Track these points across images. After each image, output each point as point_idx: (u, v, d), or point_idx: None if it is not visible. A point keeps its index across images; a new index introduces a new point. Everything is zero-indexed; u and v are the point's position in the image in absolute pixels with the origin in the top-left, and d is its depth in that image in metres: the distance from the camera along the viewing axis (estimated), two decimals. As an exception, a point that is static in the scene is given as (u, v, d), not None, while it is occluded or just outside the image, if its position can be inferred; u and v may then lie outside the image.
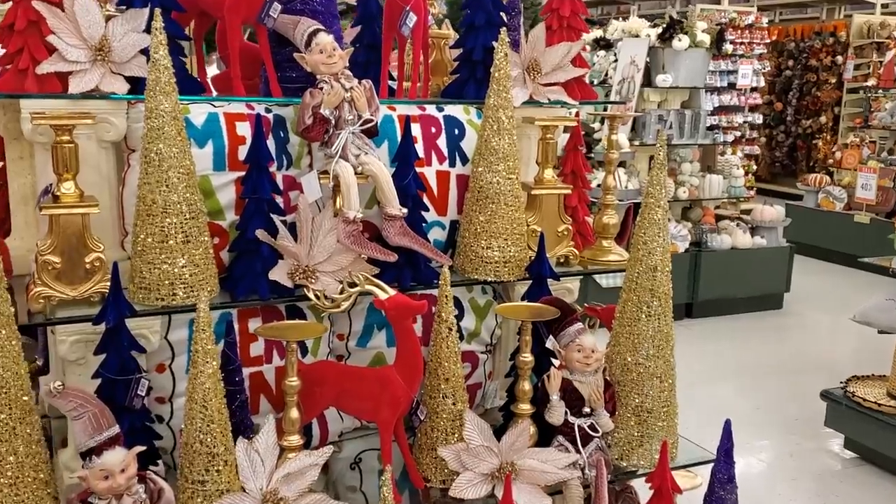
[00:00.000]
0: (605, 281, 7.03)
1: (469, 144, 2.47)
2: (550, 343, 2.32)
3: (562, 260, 2.60)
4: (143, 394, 1.94)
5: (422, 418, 2.18)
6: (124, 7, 2.16)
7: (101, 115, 2.08)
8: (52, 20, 2.00)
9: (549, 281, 2.46)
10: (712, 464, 2.36)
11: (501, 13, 2.56)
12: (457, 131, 2.48)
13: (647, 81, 7.32)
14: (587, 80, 2.73)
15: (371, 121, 2.21)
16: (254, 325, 2.21)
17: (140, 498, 1.83)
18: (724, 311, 7.21)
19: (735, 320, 7.14)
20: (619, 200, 7.27)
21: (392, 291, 2.09)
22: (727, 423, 2.34)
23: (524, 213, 2.47)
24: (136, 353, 1.96)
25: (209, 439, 1.89)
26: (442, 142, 2.45)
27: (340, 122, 2.18)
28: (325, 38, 2.16)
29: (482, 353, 2.60)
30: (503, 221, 2.36)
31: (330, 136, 2.18)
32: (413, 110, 2.44)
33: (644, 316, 2.31)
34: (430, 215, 2.43)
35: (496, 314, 2.54)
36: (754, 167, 10.13)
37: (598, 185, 7.34)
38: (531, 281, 2.41)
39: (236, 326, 2.22)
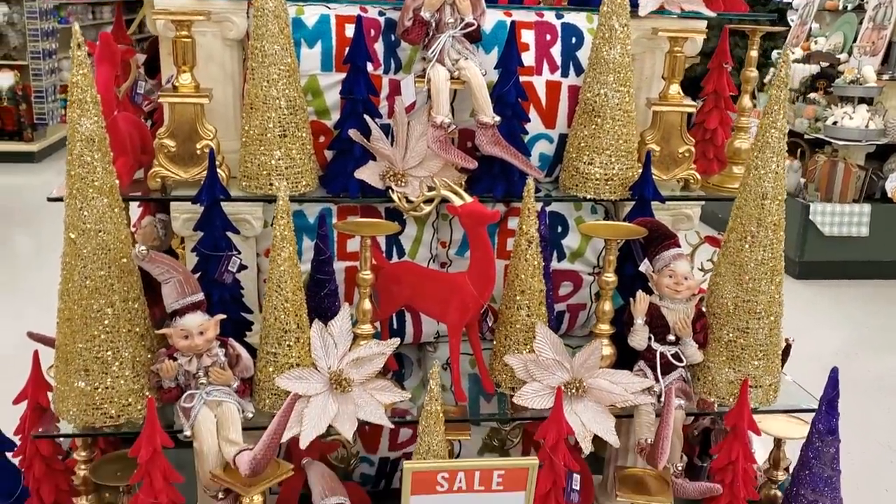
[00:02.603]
0: (827, 229, 6.44)
1: (587, 54, 2.37)
2: (644, 266, 2.22)
3: (681, 183, 2.45)
4: (234, 270, 2.14)
5: (490, 325, 2.20)
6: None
7: (223, 13, 2.25)
8: (185, -74, 2.19)
9: (663, 205, 2.34)
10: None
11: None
12: (574, 40, 2.39)
13: (910, 7, 6.46)
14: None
15: (472, 24, 2.20)
16: (352, 222, 2.33)
17: (219, 360, 2.05)
18: None
19: None
20: (857, 141, 6.59)
21: (469, 199, 2.11)
22: (833, 372, 2.12)
23: (637, 130, 2.35)
24: (231, 234, 2.15)
25: (283, 316, 2.06)
26: (556, 50, 2.38)
27: (441, 26, 2.19)
28: (429, -60, 2.16)
29: (588, 274, 2.53)
30: (608, 137, 2.26)
31: (429, 40, 2.21)
32: (529, 16, 2.39)
33: (747, 245, 2.13)
34: (536, 127, 2.38)
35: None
36: None
37: (835, 123, 6.71)
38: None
39: (335, 221, 2.35)
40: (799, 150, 6.93)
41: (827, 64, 7.02)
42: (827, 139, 6.66)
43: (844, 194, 6.43)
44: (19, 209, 7.27)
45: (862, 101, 6.62)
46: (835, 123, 6.56)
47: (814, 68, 7.00)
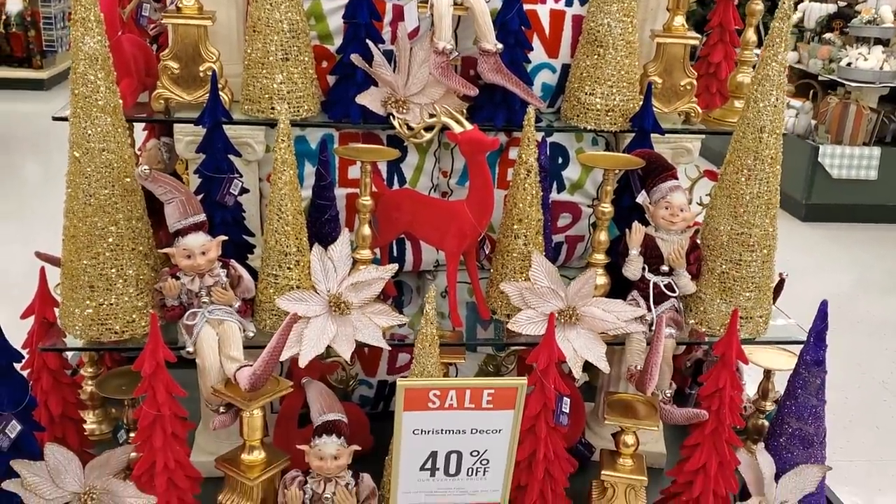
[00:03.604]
0: (835, 171, 6.41)
1: (592, -17, 2.36)
2: (641, 197, 2.24)
3: (682, 116, 2.45)
4: (235, 193, 2.16)
5: (487, 253, 2.23)
6: None
7: (227, -65, 2.25)
8: None
9: (663, 138, 2.35)
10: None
11: None
12: (578, -31, 2.37)
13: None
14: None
15: (476, -49, 2.18)
16: (354, 148, 2.35)
17: (221, 280, 2.09)
18: None
19: None
20: (870, 83, 6.51)
21: (469, 126, 2.12)
22: (823, 304, 2.16)
23: (639, 62, 2.34)
24: (233, 158, 2.17)
25: (283, 239, 2.09)
26: (560, -21, 2.36)
27: (445, -49, 2.18)
28: None
29: (587, 206, 2.56)
30: (610, 67, 2.26)
31: (433, -35, 2.19)
32: (534, -56, 2.36)
33: (743, 179, 2.15)
34: (539, 56, 2.38)
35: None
36: None
37: (849, 64, 6.62)
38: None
39: (336, 147, 2.37)
40: (811, 92, 6.86)
41: (844, 3, 6.90)
42: (840, 81, 6.59)
43: (855, 137, 6.38)
44: (28, 137, 7.30)
45: (878, 42, 6.53)
46: (849, 65, 6.48)
47: (831, 7, 6.88)
